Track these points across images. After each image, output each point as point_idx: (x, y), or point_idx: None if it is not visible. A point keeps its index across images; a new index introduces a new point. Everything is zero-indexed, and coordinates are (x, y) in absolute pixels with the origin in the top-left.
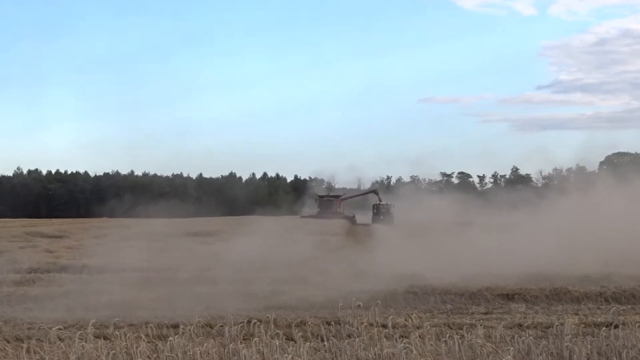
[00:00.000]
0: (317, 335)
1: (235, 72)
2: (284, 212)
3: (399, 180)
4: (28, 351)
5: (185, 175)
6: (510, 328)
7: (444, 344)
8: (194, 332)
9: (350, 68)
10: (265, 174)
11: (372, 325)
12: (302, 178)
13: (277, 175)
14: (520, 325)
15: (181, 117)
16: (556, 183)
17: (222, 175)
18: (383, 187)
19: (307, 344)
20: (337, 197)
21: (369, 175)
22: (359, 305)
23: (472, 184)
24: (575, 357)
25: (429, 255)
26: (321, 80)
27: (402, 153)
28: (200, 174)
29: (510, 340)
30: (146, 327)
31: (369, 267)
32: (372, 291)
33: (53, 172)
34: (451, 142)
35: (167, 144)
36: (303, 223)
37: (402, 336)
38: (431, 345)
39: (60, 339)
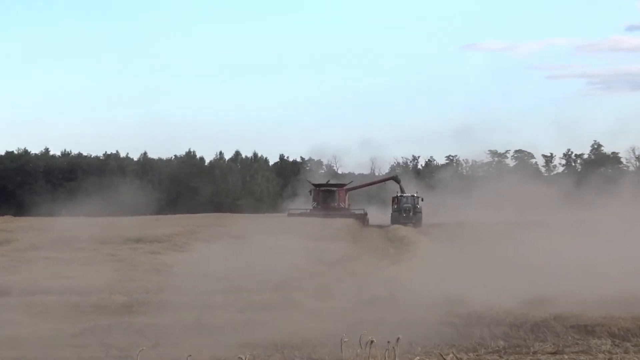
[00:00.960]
0: None
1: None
2: (264, 208)
3: (430, 162)
4: None
5: (122, 154)
6: None
7: None
8: None
9: (361, 3)
10: (237, 154)
11: None
12: (291, 159)
13: (255, 155)
14: None
15: (116, 74)
16: None
17: (175, 156)
18: (407, 172)
19: None
20: (341, 186)
21: (388, 155)
22: (372, 342)
23: (535, 167)
24: None
25: (474, 271)
26: (320, 23)
27: (436, 124)
28: (145, 154)
29: None
30: None
31: (387, 288)
32: (391, 322)
33: None
34: (505, 107)
35: (98, 113)
36: (292, 224)
37: None
38: None
39: None
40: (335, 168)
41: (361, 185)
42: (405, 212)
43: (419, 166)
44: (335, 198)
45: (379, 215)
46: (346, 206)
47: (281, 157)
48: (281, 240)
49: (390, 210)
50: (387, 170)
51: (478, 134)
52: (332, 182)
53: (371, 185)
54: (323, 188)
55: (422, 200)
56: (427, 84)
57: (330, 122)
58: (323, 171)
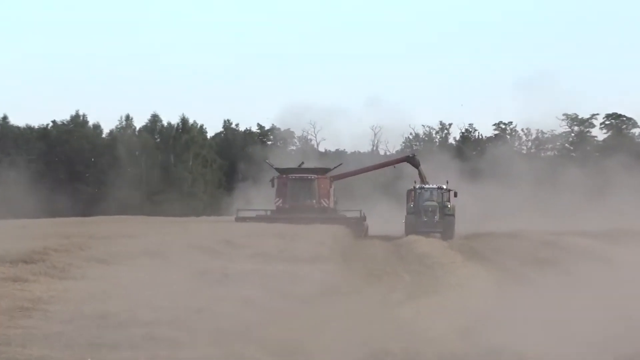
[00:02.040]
0: None
1: None
2: (201, 208)
3: (469, 133)
4: None
5: None
6: None
7: None
8: None
9: None
10: (155, 120)
11: None
12: (242, 128)
13: (184, 121)
14: None
15: None
16: None
17: (54, 122)
18: (431, 149)
19: None
20: (323, 172)
21: (400, 122)
22: None
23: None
24: None
25: (540, 313)
26: None
27: (479, 76)
28: (4, 119)
29: None
30: None
31: (397, 339)
32: None
33: None
34: (590, 50)
35: None
36: (242, 233)
37: None
38: None
39: None
40: (314, 142)
41: (356, 171)
42: (428, 214)
43: (451, 140)
44: (313, 192)
45: (386, 219)
46: (331, 205)
47: (227, 125)
48: (224, 261)
49: (403, 212)
50: (398, 148)
51: (547, 90)
52: (308, 166)
53: (373, 170)
54: (294, 175)
55: (455, 195)
56: (463, 16)
57: (310, 71)
58: (295, 147)
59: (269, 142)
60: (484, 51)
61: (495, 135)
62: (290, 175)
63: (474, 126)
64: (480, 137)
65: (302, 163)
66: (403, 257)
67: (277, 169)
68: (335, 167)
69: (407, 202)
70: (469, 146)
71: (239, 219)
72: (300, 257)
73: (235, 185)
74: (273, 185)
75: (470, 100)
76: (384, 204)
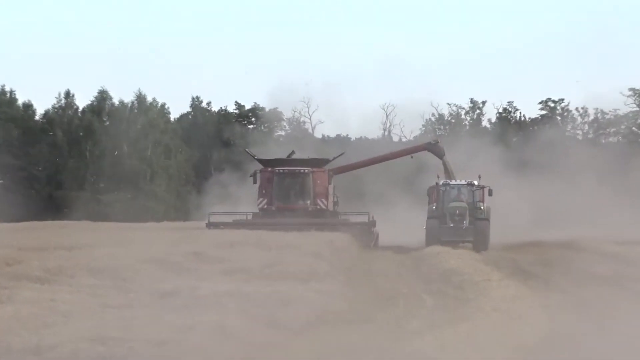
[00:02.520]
0: None
1: None
2: (162, 209)
3: (507, 113)
4: None
5: None
6: None
7: None
8: None
9: None
10: (103, 98)
11: None
12: (216, 108)
13: (140, 97)
14: None
15: None
16: None
17: None
18: (459, 132)
19: None
20: (320, 164)
21: (419, 101)
22: None
23: None
24: None
25: (602, 348)
26: None
27: (518, 40)
28: None
29: None
30: None
31: None
32: None
33: None
34: None
35: None
36: (215, 242)
37: None
38: None
39: None
40: (309, 126)
41: (363, 162)
42: (455, 218)
43: (486, 122)
44: (306, 189)
45: (402, 224)
46: (330, 206)
47: (195, 103)
48: (192, 279)
49: (424, 216)
50: (417, 133)
51: (607, 59)
52: (300, 156)
53: (384, 162)
54: (282, 169)
55: (490, 193)
56: None
57: (305, 35)
58: (284, 132)
59: (251, 126)
60: (525, 8)
61: (542, 116)
62: (277, 169)
63: (514, 105)
64: (522, 118)
65: (293, 152)
66: (423, 274)
67: (261, 160)
68: (335, 158)
69: (429, 203)
70: (508, 130)
71: (212, 225)
72: (291, 275)
73: (206, 182)
74: (255, 182)
75: (509, 72)
76: (399, 205)
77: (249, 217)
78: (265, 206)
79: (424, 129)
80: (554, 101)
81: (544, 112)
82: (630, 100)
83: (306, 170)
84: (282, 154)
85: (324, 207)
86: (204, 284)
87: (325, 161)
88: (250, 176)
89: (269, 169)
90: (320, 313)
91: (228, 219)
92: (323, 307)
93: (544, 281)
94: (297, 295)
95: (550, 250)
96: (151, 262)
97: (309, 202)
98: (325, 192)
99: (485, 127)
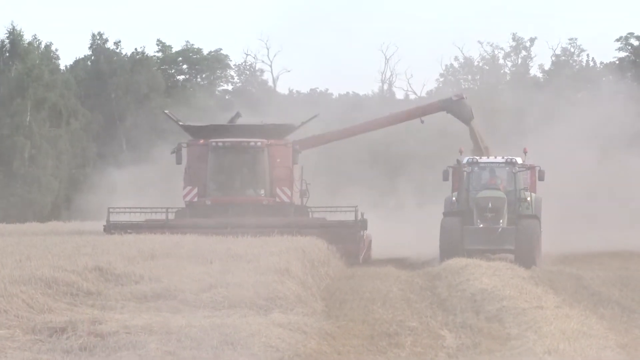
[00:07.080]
0: None
1: None
2: (49, 202)
3: (569, 56)
4: None
5: None
6: None
7: None
8: None
9: None
10: None
11: None
12: (127, 51)
13: (14, 33)
14: None
15: None
16: None
17: None
18: (495, 86)
19: None
20: (280, 133)
21: (432, 41)
22: None
23: None
24: None
25: None
26: None
27: None
28: None
29: None
30: None
31: None
32: None
33: None
34: None
35: None
36: (125, 252)
37: None
38: None
39: None
40: (269, 77)
41: (348, 130)
42: (486, 215)
43: (535, 70)
44: (259, 172)
45: (407, 224)
46: (295, 198)
47: (98, 43)
48: (92, 308)
49: (439, 210)
50: (431, 87)
51: None
52: (249, 121)
53: (380, 129)
54: (221, 141)
55: (542, 177)
56: None
57: None
58: (231, 87)
59: (181, 77)
60: None
61: (620, 60)
62: (213, 141)
63: (578, 43)
64: (591, 63)
65: (238, 115)
66: (442, 300)
67: (188, 128)
68: (304, 123)
69: (453, 190)
70: (570, 82)
71: (112, 228)
72: (242, 301)
73: (115, 160)
74: (179, 161)
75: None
76: (403, 196)
77: (172, 217)
78: (196, 199)
79: (442, 80)
80: (638, 38)
81: (623, 53)
82: None
83: (259, 143)
84: (222, 119)
85: (286, 199)
86: (110, 314)
87: (289, 128)
88: (172, 152)
89: (201, 141)
90: (287, 358)
91: (141, 217)
92: (291, 349)
93: (622, 309)
94: (252, 332)
95: (632, 263)
96: (31, 283)
97: (262, 192)
98: (288, 176)
99: (535, 76)
